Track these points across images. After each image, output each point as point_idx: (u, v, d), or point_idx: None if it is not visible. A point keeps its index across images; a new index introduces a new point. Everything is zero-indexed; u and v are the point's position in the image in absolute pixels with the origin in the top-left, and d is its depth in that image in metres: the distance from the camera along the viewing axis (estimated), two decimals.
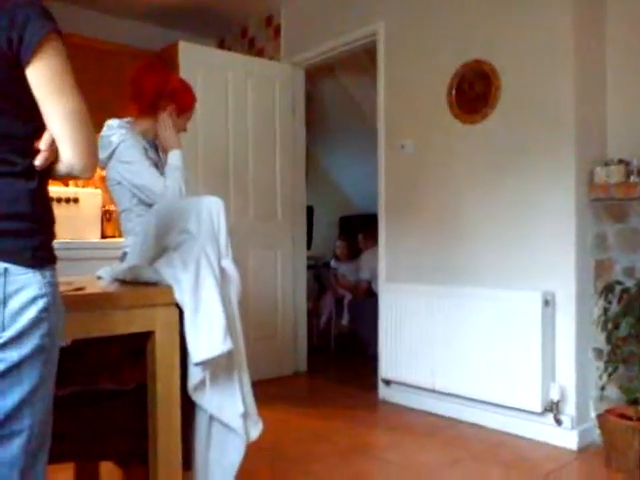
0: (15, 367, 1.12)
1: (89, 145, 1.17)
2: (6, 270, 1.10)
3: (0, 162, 1.12)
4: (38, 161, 1.13)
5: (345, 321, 5.20)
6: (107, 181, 2.28)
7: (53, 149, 1.14)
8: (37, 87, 1.11)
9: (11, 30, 1.07)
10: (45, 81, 1.11)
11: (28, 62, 1.10)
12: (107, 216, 4.30)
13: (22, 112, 1.14)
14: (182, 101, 2.34)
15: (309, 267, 4.96)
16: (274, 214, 4.35)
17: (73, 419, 1.68)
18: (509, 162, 3.09)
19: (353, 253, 5.54)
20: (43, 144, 1.14)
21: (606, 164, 2.89)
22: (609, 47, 2.97)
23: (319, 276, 5.81)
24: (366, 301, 4.90)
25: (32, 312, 1.12)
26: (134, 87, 2.29)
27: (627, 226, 2.83)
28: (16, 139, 1.14)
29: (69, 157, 1.15)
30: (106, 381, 1.79)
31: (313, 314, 5.32)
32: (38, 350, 1.14)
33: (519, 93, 3.05)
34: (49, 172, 1.18)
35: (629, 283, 2.70)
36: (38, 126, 1.15)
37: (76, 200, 4.11)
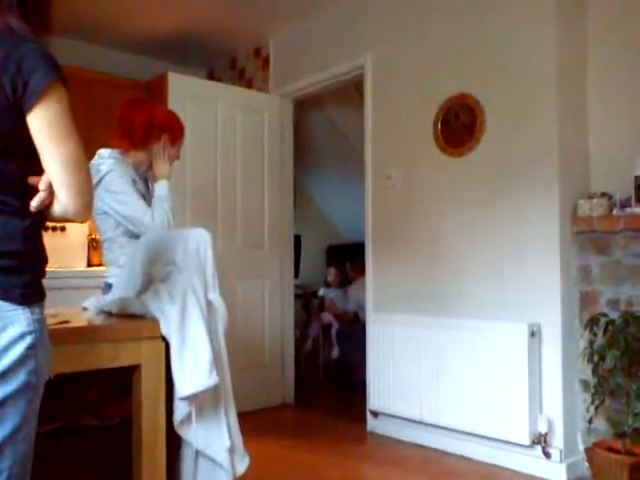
0: None
1: (84, 190, 1.19)
2: None
3: None
4: (34, 202, 1.16)
5: (335, 354, 5.18)
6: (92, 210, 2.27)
7: (50, 191, 1.17)
8: (37, 133, 1.15)
9: (17, 77, 1.11)
10: (45, 128, 1.14)
11: (30, 109, 1.13)
12: (93, 244, 4.28)
13: (21, 155, 1.17)
14: (174, 130, 2.35)
15: (297, 296, 4.94)
16: (262, 243, 4.34)
17: (55, 455, 1.64)
18: (494, 195, 3.13)
19: (344, 280, 5.56)
20: (42, 184, 1.16)
21: (589, 197, 2.93)
22: (591, 82, 3.05)
23: (307, 305, 5.79)
24: (353, 328, 4.92)
25: (19, 349, 1.12)
26: (123, 125, 2.29)
27: (611, 259, 2.86)
28: (13, 181, 1.16)
29: (64, 201, 1.17)
30: (90, 416, 1.77)
31: (300, 343, 5.29)
32: (23, 388, 1.12)
33: (503, 127, 3.10)
34: (43, 212, 1.20)
35: (614, 315, 2.72)
36: (36, 169, 1.17)
37: (63, 229, 4.09)
